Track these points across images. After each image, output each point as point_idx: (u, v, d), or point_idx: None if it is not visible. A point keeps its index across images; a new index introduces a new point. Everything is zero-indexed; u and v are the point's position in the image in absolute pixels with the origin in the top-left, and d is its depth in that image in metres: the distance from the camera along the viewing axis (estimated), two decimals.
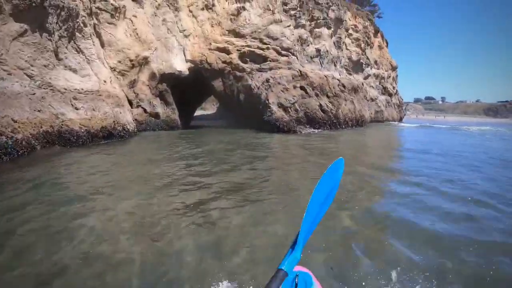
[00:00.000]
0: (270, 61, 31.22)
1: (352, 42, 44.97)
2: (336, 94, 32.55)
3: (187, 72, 29.50)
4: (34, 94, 17.36)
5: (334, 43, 40.60)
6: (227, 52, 30.54)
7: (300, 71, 30.61)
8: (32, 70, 17.87)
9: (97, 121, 20.58)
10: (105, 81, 22.93)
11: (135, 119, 25.60)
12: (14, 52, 16.93)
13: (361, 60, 45.97)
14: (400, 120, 62.21)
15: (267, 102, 27.96)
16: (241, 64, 30.28)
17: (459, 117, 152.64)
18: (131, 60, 26.10)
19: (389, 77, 58.04)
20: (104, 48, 24.71)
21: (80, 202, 7.79)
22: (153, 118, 27.65)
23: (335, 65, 39.25)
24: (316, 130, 28.14)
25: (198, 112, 45.34)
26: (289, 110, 28.27)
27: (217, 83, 30.72)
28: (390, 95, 58.33)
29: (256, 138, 22.33)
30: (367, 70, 48.97)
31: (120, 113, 22.70)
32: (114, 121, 21.75)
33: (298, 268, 2.45)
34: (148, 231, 6.16)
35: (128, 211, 7.34)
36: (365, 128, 35.95)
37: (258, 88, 28.82)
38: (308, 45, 35.59)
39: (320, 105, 29.99)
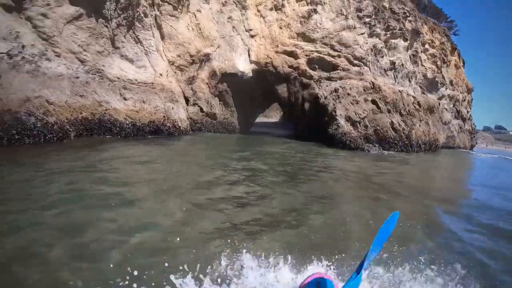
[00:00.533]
0: (340, 70, 28.72)
1: (428, 59, 39.93)
2: (410, 113, 29.25)
3: (250, 74, 27.59)
4: (77, 77, 16.12)
5: (410, 57, 36.35)
6: (295, 56, 28.28)
7: (373, 83, 27.71)
8: (85, 55, 16.97)
9: (145, 114, 19.12)
10: (161, 74, 21.58)
11: (190, 118, 23.95)
12: (67, 35, 16.05)
13: (436, 79, 40.66)
14: (471, 148, 55.54)
15: (334, 114, 25.22)
16: (309, 70, 27.95)
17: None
18: (191, 56, 24.36)
19: (464, 100, 51.32)
20: (164, 40, 23.15)
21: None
22: (209, 119, 25.85)
23: (409, 81, 35.58)
24: (385, 152, 24.76)
25: (260, 119, 43.06)
26: (358, 125, 25.37)
27: (281, 88, 28.45)
28: (464, 120, 51.99)
29: (319, 155, 19.64)
30: (441, 90, 43.79)
31: (172, 108, 21.16)
32: (164, 117, 20.22)
33: (319, 275, 2.65)
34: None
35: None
36: (439, 154, 31.96)
37: (326, 98, 26.13)
38: (382, 56, 32.38)
39: (392, 123, 26.82)
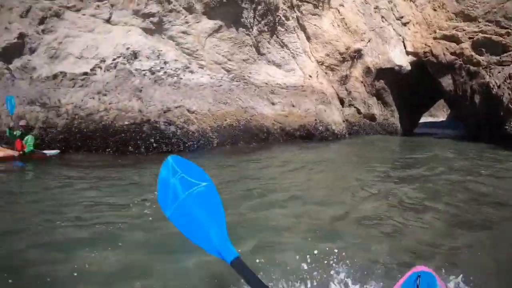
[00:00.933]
0: None
1: None
2: None
3: (408, 67, 24.69)
4: (220, 86, 15.98)
5: None
6: (457, 40, 24.46)
7: None
8: (230, 64, 17.07)
9: (294, 118, 18.04)
10: (310, 76, 20.40)
11: (346, 120, 22.11)
12: (210, 48, 16.39)
13: None
14: None
15: (510, 105, 20.69)
16: (475, 55, 23.81)
17: None
18: (341, 53, 22.58)
19: None
20: (310, 41, 21.84)
21: None
22: (367, 120, 23.76)
23: None
24: None
25: (425, 119, 38.92)
26: None
27: (445, 80, 24.75)
28: None
29: (494, 161, 14.53)
30: None
31: (325, 111, 19.72)
32: (316, 120, 18.83)
33: (419, 269, 2.23)
34: None
35: None
36: None
37: (499, 87, 21.86)
38: None
39: None
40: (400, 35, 25.02)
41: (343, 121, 21.50)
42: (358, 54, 23.22)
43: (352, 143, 18.47)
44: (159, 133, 12.09)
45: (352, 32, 22.95)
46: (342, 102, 22.53)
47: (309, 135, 17.84)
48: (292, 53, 20.00)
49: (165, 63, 14.42)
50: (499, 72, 22.69)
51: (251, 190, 7.55)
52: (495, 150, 18.02)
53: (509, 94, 21.35)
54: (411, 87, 25.72)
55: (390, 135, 24.17)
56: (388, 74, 24.12)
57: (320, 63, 21.85)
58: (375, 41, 24.03)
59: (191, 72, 15.23)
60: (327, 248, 4.30)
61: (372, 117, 23.65)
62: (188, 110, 13.75)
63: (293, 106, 18.36)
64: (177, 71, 14.66)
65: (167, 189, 2.13)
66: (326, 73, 22.22)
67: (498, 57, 23.62)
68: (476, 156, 16.06)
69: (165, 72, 14.23)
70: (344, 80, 22.92)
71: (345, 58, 22.76)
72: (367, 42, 23.56)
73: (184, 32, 15.56)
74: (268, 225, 5.65)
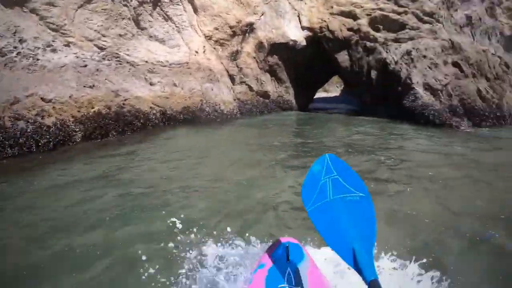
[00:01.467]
0: (409, 28, 24.17)
1: (503, 13, 34.52)
2: (498, 76, 24.17)
3: (303, 42, 23.97)
4: (85, 66, 13.59)
5: (486, 10, 30.56)
6: (354, 17, 24.33)
7: (452, 42, 22.86)
8: (104, 40, 14.74)
9: (177, 100, 16.42)
10: (197, 52, 18.89)
11: (237, 99, 20.99)
12: (80, 22, 14.01)
13: None
14: None
15: (409, 81, 20.87)
16: (372, 32, 23.98)
17: None
18: (231, 27, 21.24)
19: None
20: (198, 13, 20.19)
21: None
22: (261, 98, 22.74)
23: (489, 39, 30.18)
24: (481, 129, 19.74)
25: (319, 94, 39.05)
26: (440, 94, 20.86)
27: (342, 56, 24.49)
28: None
29: (397, 136, 15.42)
30: None
31: (212, 89, 18.45)
32: (201, 100, 17.50)
33: (287, 239, 2.48)
34: None
35: None
36: None
37: (396, 63, 21.87)
38: (456, 10, 27.39)
39: (479, 90, 21.86)
40: (296, 10, 24.15)
41: (234, 100, 20.48)
42: (250, 28, 21.96)
43: (245, 124, 17.39)
44: (2, 133, 9.69)
45: (244, 5, 21.67)
46: (232, 79, 21.32)
47: (194, 118, 16.41)
48: (177, 27, 18.31)
49: (21, 41, 11.81)
50: (396, 49, 23.00)
51: (122, 196, 6.37)
52: (395, 124, 19.46)
53: (407, 69, 21.85)
54: (307, 63, 25.20)
55: (285, 111, 23.71)
56: (282, 49, 23.23)
57: (208, 37, 20.28)
58: (269, 15, 22.92)
59: (54, 51, 12.75)
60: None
61: (265, 95, 22.75)
62: (43, 99, 11.39)
63: (176, 85, 16.73)
64: (36, 51, 12.14)
65: (316, 185, 2.36)
66: (214, 48, 20.71)
67: (394, 34, 23.91)
68: (378, 131, 17.02)
69: (18, 53, 11.62)
70: (234, 55, 21.59)
71: (236, 32, 21.41)
72: (261, 16, 22.38)
73: (49, 4, 13.00)
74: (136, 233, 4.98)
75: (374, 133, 15.92)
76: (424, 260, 3.69)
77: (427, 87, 20.79)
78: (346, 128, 17.83)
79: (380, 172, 8.50)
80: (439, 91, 20.62)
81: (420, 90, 20.63)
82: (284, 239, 2.42)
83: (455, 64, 22.04)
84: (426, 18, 24.89)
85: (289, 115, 22.65)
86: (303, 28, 24.17)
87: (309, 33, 24.19)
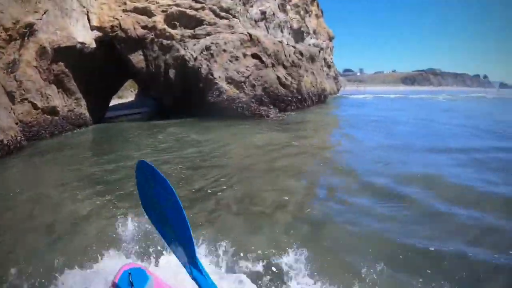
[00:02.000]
0: (206, 24, 23.92)
1: (291, 9, 39.07)
2: (294, 64, 25.03)
3: (93, 45, 21.49)
4: None
5: (278, 6, 34.10)
6: (149, 14, 22.86)
7: (250, 35, 22.75)
8: None
9: None
10: None
11: (20, 121, 17.33)
12: None
13: (302, 29, 40.23)
14: (337, 92, 58.74)
15: (211, 77, 20.01)
16: (168, 29, 22.94)
17: (379, 87, 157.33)
18: (6, 29, 17.36)
19: (328, 47, 53.19)
20: None
21: None
22: (48, 116, 19.21)
23: (282, 31, 32.42)
24: (288, 113, 19.89)
25: (113, 101, 36.04)
26: (244, 86, 20.43)
27: (136, 57, 22.86)
28: (329, 66, 53.98)
29: (213, 139, 14.80)
30: (307, 40, 43.09)
31: None
32: None
33: (129, 266, 2.56)
34: None
35: None
36: (330, 104, 29.79)
37: (196, 60, 20.80)
38: (251, 6, 29.20)
39: (279, 78, 22.01)
40: (84, 7, 21.49)
41: (16, 124, 16.74)
42: (30, 30, 18.49)
43: (36, 153, 14.49)
44: None
45: (23, 1, 18.12)
46: (11, 97, 17.53)
47: None
48: None
49: None
50: (195, 45, 22.42)
51: None
52: (205, 123, 18.79)
53: (207, 65, 21.11)
54: (98, 68, 22.52)
55: (79, 128, 20.79)
56: (69, 54, 20.28)
57: None
58: (53, 13, 19.79)
59: None
60: None
61: (53, 111, 19.46)
62: None
63: None
64: None
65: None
66: None
67: (192, 31, 23.35)
68: (194, 136, 15.94)
69: None
70: (12, 66, 17.80)
71: (13, 36, 17.69)
72: (43, 14, 19.08)
73: None
74: None
75: (182, 136, 14.47)
76: None
77: (230, 80, 20.25)
78: (150, 135, 15.98)
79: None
80: (242, 83, 20.24)
81: (223, 84, 20.00)
82: (127, 266, 2.44)
83: (255, 56, 21.95)
84: (223, 13, 24.92)
85: (86, 132, 20.07)
86: (92, 28, 21.66)
87: (100, 34, 21.83)
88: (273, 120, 18.71)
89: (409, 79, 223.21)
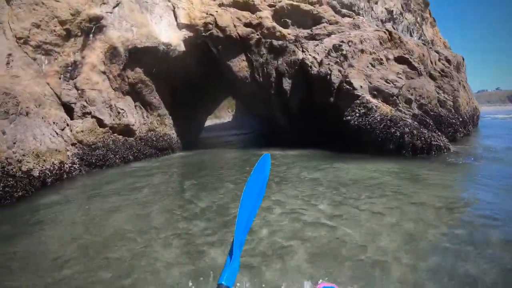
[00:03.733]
0: (325, 22, 18.47)
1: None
2: (444, 73, 18.34)
3: (181, 47, 16.80)
4: None
5: (402, 6, 28.29)
6: (252, 8, 17.94)
7: (390, 32, 17.09)
8: None
9: None
10: None
11: (79, 141, 13.05)
12: None
13: (421, 37, 32.94)
14: None
15: (347, 86, 14.24)
16: (279, 27, 17.65)
17: (486, 107, 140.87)
18: (62, 23, 13.41)
19: None
20: (11, 3, 12.47)
21: None
22: (120, 136, 14.72)
23: (411, 35, 27.92)
24: (461, 145, 13.14)
25: (209, 122, 32.32)
26: (397, 101, 13.97)
27: (237, 63, 17.79)
28: None
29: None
30: None
31: (17, 135, 10.25)
32: None
33: (325, 284, 2.58)
34: None
35: None
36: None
37: (321, 64, 15.14)
38: (376, 3, 23.95)
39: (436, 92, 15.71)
40: (170, 1, 17.14)
41: (73, 145, 12.64)
42: (96, 26, 14.46)
43: (90, 188, 10.04)
44: None
45: None
46: (69, 110, 13.49)
47: None
48: None
49: None
50: (317, 45, 16.90)
51: None
52: (338, 157, 12.62)
53: (339, 71, 15.37)
54: (189, 78, 18.18)
55: (163, 154, 15.98)
56: (149, 58, 15.92)
57: (21, 40, 12.45)
58: (128, 6, 15.77)
59: None
60: None
61: (127, 130, 14.96)
62: None
63: None
64: None
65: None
66: (35, 59, 12.76)
67: (308, 30, 18.34)
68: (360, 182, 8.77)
69: None
70: (71, 70, 13.80)
71: (72, 31, 13.77)
72: (114, 7, 15.11)
73: None
74: None
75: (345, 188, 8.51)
76: None
77: (376, 92, 14.16)
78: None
79: None
80: (395, 97, 13.93)
81: (368, 96, 13.66)
82: (322, 284, 2.51)
83: (401, 60, 15.83)
84: (344, 10, 20.62)
85: (169, 160, 14.97)
86: (180, 26, 17.09)
87: (190, 33, 17.27)
88: (455, 156, 11.91)
89: None
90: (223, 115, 50.43)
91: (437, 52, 21.15)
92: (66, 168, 11.47)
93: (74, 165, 12.05)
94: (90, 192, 9.32)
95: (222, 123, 44.26)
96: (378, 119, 12.65)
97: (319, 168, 10.65)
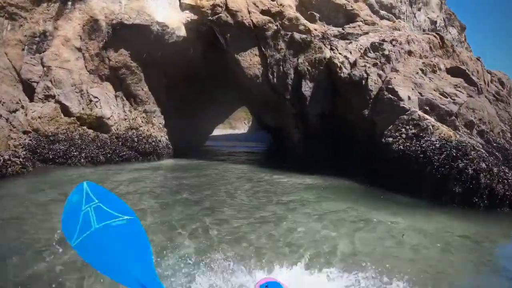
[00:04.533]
0: (361, 21, 15.83)
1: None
2: (500, 97, 15.73)
3: (181, 31, 14.16)
4: None
5: (443, 19, 25.37)
6: None
7: (441, 37, 14.14)
8: None
9: None
10: None
11: (35, 130, 10.97)
12: None
13: None
14: None
15: (389, 95, 10.72)
16: (303, 20, 14.89)
17: None
18: None
19: None
20: None
21: None
22: (90, 131, 12.38)
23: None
24: None
25: (218, 131, 31.03)
26: (456, 122, 10.60)
27: (248, 57, 14.83)
28: None
29: None
30: None
31: None
32: None
33: (265, 280, 2.62)
34: None
35: None
36: None
37: (353, 65, 12.11)
38: (419, 9, 21.40)
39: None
40: None
41: (26, 133, 10.61)
42: None
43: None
44: None
45: None
46: (29, 89, 11.50)
47: None
48: None
49: None
50: (349, 43, 14.21)
51: None
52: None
53: (378, 75, 12.07)
54: (191, 70, 15.40)
55: (148, 160, 13.45)
56: (138, 38, 13.48)
57: None
58: None
59: None
60: None
61: (100, 124, 12.67)
62: None
63: None
64: None
65: (77, 216, 2.15)
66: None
67: (339, 29, 15.85)
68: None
69: None
70: (38, 42, 12.17)
71: None
72: None
73: None
74: None
75: None
76: None
77: (429, 107, 10.62)
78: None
79: None
80: (453, 117, 10.48)
81: (420, 112, 10.30)
82: (262, 281, 2.51)
83: (455, 72, 12.58)
84: (383, 12, 18.01)
85: (147, 171, 11.70)
86: (183, 6, 14.40)
87: (194, 16, 14.58)
88: None
89: None
90: (239, 125, 48.86)
91: (489, 72, 18.17)
92: (2, 161, 8.67)
93: (18, 159, 9.37)
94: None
95: (236, 134, 42.44)
96: (437, 145, 9.09)
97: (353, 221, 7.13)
